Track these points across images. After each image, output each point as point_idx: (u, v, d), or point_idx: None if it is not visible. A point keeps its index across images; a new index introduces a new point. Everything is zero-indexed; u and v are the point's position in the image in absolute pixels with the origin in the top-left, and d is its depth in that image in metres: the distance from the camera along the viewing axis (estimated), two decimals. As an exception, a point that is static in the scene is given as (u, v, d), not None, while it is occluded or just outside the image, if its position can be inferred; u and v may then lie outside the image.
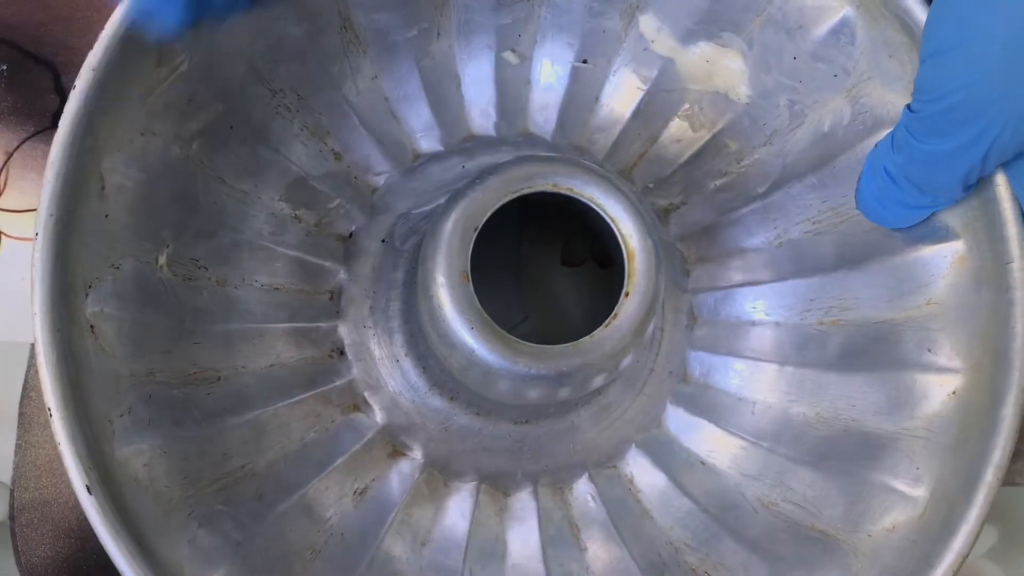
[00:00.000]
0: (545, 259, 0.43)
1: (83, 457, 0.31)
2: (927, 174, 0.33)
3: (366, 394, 0.39)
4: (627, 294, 0.33)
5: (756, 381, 0.40)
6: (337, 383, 0.39)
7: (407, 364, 0.39)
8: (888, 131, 0.35)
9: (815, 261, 0.39)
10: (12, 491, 0.42)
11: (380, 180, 0.41)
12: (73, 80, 0.45)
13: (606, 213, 0.33)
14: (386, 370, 0.39)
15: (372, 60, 0.40)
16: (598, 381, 0.35)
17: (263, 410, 0.37)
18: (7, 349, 0.43)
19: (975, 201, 0.34)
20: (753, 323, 0.40)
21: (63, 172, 0.32)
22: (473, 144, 0.41)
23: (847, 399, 0.38)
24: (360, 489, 0.38)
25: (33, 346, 0.44)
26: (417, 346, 0.38)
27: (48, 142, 0.46)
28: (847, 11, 0.36)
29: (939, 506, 0.33)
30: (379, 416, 0.39)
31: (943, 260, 0.36)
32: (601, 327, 0.33)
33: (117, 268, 0.33)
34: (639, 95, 0.41)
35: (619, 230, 0.33)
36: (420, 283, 0.34)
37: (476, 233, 0.33)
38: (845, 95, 0.37)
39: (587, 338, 0.33)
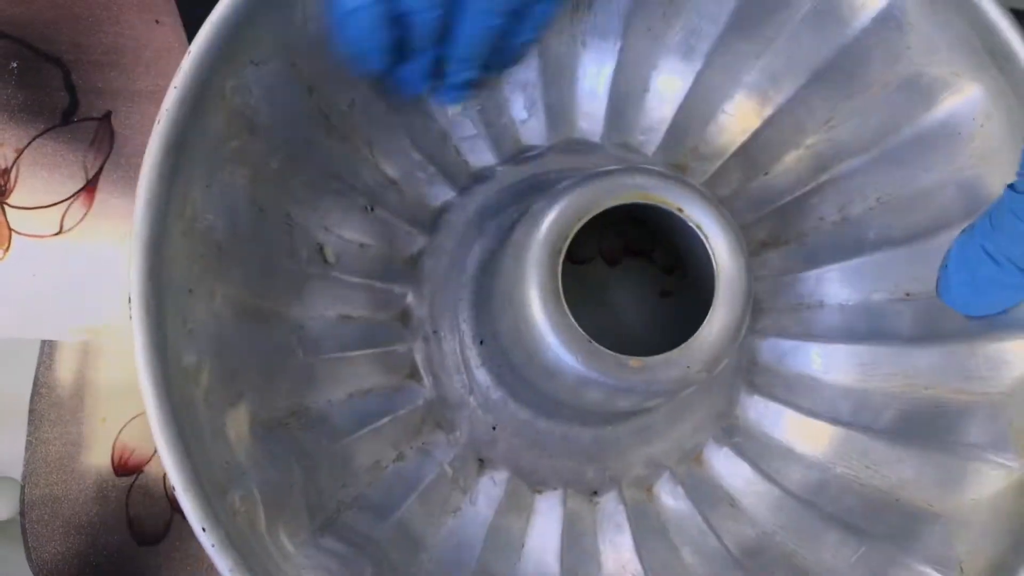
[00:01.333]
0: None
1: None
2: None
3: (445, 412, 0.39)
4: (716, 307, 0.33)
5: (804, 434, 0.40)
6: (415, 404, 0.39)
7: (482, 376, 0.39)
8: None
9: (892, 330, 0.39)
10: (23, 487, 0.42)
11: (480, 163, 0.41)
12: (82, 77, 0.45)
13: (702, 231, 0.33)
14: (461, 384, 0.39)
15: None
16: (690, 388, 0.35)
17: (350, 438, 0.37)
18: (18, 347, 0.43)
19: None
20: (814, 379, 0.40)
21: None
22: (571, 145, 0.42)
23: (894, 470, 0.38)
24: (453, 508, 0.38)
25: (44, 343, 0.44)
26: (493, 360, 0.38)
27: (57, 139, 0.46)
28: (976, 91, 0.36)
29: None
30: (463, 435, 0.39)
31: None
32: (691, 339, 0.33)
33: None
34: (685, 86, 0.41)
35: (718, 267, 0.33)
36: (504, 290, 0.34)
37: (568, 241, 0.33)
38: (957, 171, 0.37)
39: (659, 356, 0.32)
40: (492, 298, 0.37)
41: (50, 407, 0.43)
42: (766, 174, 0.41)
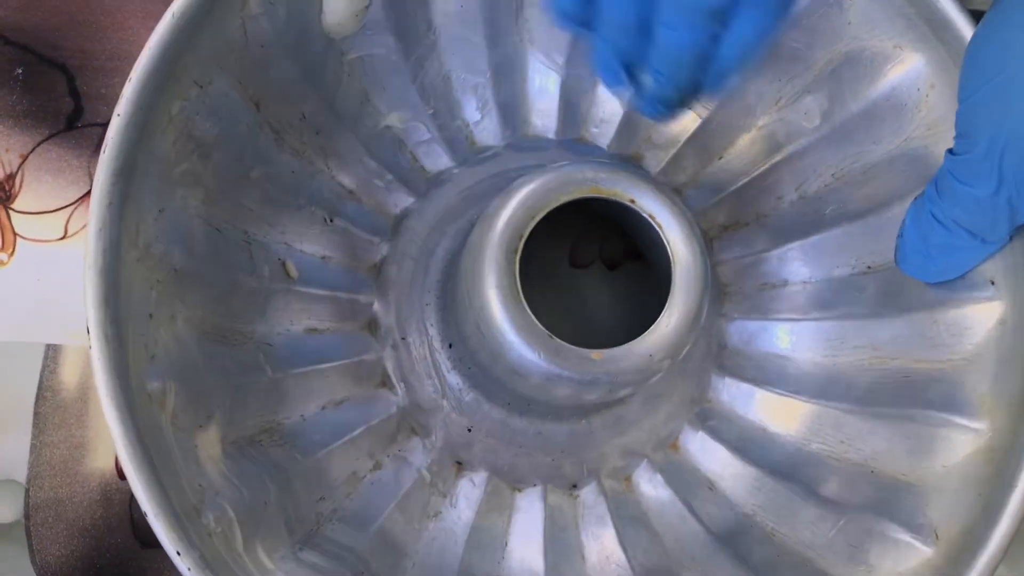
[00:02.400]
0: (554, 260, 0.43)
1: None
2: (975, 216, 0.32)
3: (419, 418, 0.39)
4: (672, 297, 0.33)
5: (777, 413, 0.40)
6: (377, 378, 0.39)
7: (454, 379, 0.39)
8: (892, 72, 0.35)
9: (856, 304, 0.39)
10: (27, 490, 0.43)
11: (437, 167, 0.41)
12: (87, 83, 0.46)
13: (666, 237, 0.33)
14: (430, 382, 0.39)
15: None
16: (627, 388, 0.35)
17: (325, 451, 0.37)
18: (22, 350, 0.44)
19: (1020, 253, 0.34)
20: (782, 357, 0.41)
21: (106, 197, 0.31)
22: (528, 144, 0.42)
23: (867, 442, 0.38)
24: (433, 513, 0.38)
25: (48, 346, 0.45)
26: (463, 362, 0.39)
27: (62, 145, 0.47)
28: (918, 62, 0.37)
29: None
30: (438, 439, 0.39)
31: (984, 317, 0.36)
32: (639, 338, 0.33)
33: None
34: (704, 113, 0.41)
35: (673, 254, 0.33)
36: (465, 292, 0.34)
37: (523, 240, 0.33)
38: (904, 143, 0.38)
39: (619, 347, 0.33)
40: (456, 301, 0.37)
41: (54, 410, 0.43)
42: (720, 158, 0.41)
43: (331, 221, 0.39)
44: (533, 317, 0.32)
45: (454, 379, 0.39)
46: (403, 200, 0.41)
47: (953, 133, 0.34)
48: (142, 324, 0.31)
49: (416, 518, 0.38)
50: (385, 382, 0.39)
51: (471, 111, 0.41)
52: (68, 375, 0.44)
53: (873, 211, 0.39)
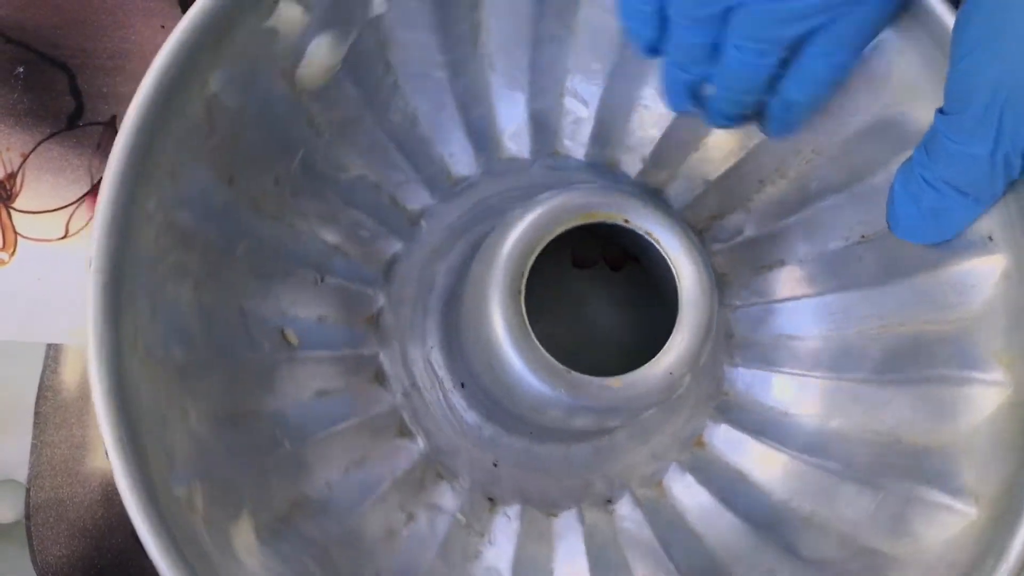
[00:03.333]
0: (556, 260, 0.43)
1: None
2: (966, 175, 0.33)
3: (443, 461, 0.39)
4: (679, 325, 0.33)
5: (795, 394, 0.40)
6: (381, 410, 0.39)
7: (471, 417, 0.39)
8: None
9: (855, 275, 0.39)
10: (28, 490, 0.43)
11: (418, 206, 0.41)
12: (88, 82, 0.46)
13: (666, 251, 0.33)
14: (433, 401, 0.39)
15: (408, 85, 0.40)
16: (651, 409, 0.35)
17: (357, 514, 0.37)
18: (23, 350, 0.44)
19: (1014, 207, 0.34)
20: (791, 338, 0.40)
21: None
22: (505, 168, 0.41)
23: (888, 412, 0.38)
24: (473, 554, 0.38)
25: (49, 346, 0.45)
26: (478, 399, 0.38)
27: (63, 144, 0.47)
28: (886, 32, 0.36)
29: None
30: (422, 443, 0.39)
31: (987, 273, 0.36)
32: (655, 358, 0.33)
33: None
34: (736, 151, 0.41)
35: (676, 269, 0.33)
36: (472, 332, 0.34)
37: (530, 265, 0.33)
38: (881, 110, 0.37)
39: (638, 371, 0.33)
40: (463, 340, 0.37)
41: (55, 410, 0.43)
42: (696, 151, 0.41)
43: (322, 280, 0.39)
44: (548, 355, 0.32)
45: (471, 417, 0.39)
46: (390, 245, 0.40)
47: (931, 99, 0.35)
48: (157, 430, 0.31)
49: (458, 563, 0.37)
50: (403, 431, 0.39)
51: (443, 144, 0.41)
52: (69, 375, 0.44)
53: (857, 181, 0.38)
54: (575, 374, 0.32)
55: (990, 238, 0.35)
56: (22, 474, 0.43)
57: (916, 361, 0.37)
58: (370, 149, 0.39)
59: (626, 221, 0.33)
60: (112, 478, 0.43)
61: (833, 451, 0.39)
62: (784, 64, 0.33)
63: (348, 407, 0.38)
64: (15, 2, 0.45)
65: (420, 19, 0.38)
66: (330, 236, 0.39)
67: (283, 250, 0.37)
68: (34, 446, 0.43)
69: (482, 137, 0.41)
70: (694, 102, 0.36)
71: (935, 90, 0.36)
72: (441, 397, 0.39)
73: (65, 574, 0.42)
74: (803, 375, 0.40)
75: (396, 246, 0.40)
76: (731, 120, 0.36)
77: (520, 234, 0.33)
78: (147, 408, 0.31)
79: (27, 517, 0.42)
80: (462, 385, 0.38)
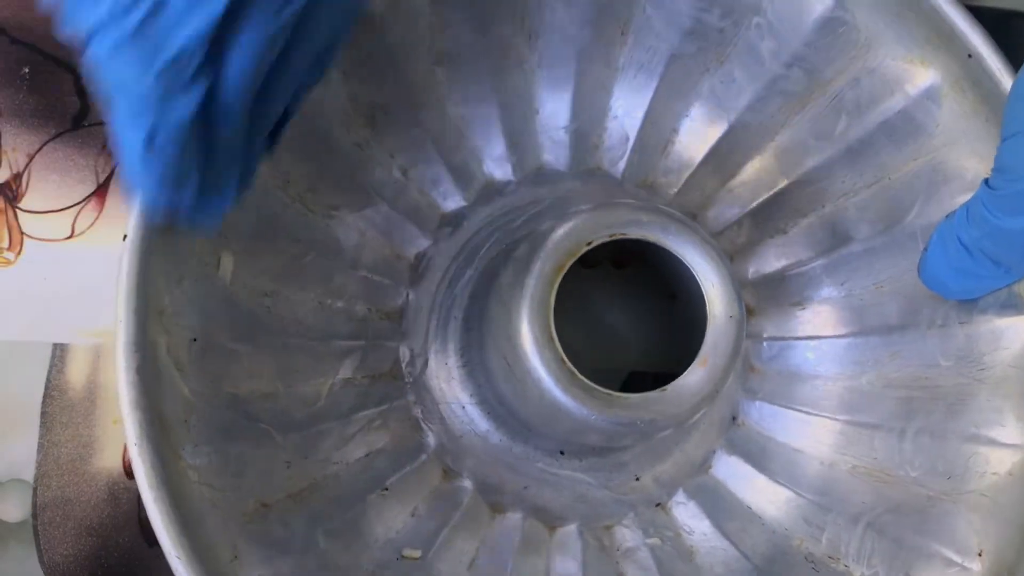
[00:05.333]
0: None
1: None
2: (1002, 249, 0.33)
3: (420, 418, 0.39)
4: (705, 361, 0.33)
5: (808, 433, 0.40)
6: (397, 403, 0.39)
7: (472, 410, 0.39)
8: (959, 199, 0.35)
9: (878, 319, 0.39)
10: (35, 489, 0.43)
11: (449, 206, 0.41)
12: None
13: (699, 276, 0.33)
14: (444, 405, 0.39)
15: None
16: (667, 431, 0.36)
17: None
18: (29, 349, 0.44)
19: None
20: (809, 376, 0.40)
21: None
22: (540, 176, 0.41)
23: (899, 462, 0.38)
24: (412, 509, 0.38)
25: (55, 346, 0.45)
26: (480, 388, 0.38)
27: (68, 144, 0.47)
28: (934, 79, 0.37)
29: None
30: (433, 439, 0.39)
31: (1015, 333, 0.36)
32: (679, 379, 0.33)
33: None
34: (717, 134, 0.41)
35: (707, 292, 0.33)
36: (496, 329, 0.34)
37: (558, 283, 0.32)
38: (924, 159, 0.38)
39: (652, 393, 0.33)
40: (495, 379, 0.36)
41: (62, 410, 0.43)
42: (736, 176, 0.41)
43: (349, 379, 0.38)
44: (572, 367, 0.32)
45: (484, 424, 0.39)
46: (398, 295, 0.40)
47: (968, 146, 0.35)
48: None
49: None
50: (448, 474, 0.39)
51: (482, 147, 0.41)
52: (75, 374, 0.44)
53: (894, 225, 0.39)
54: (590, 384, 0.32)
55: (1021, 296, 0.36)
56: (29, 473, 0.43)
57: (934, 414, 0.38)
58: (408, 147, 0.39)
59: (668, 245, 0.33)
60: (118, 478, 0.43)
61: (840, 494, 0.39)
62: None
63: (392, 464, 0.38)
64: (19, 2, 0.45)
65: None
66: (345, 332, 0.39)
67: (298, 359, 0.37)
68: (40, 445, 0.43)
69: (521, 145, 0.41)
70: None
71: (975, 139, 0.36)
72: (474, 430, 0.39)
73: (72, 572, 0.42)
74: (818, 415, 0.40)
75: (401, 294, 0.40)
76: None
77: (553, 248, 0.33)
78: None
79: (34, 516, 0.43)
80: (478, 393, 0.39)
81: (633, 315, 0.43)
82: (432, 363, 0.39)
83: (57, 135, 0.45)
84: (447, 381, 0.39)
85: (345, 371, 0.38)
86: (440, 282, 0.40)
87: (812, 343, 0.40)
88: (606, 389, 0.32)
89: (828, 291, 0.40)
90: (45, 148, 0.45)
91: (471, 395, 0.39)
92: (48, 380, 0.43)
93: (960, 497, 0.36)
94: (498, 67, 0.39)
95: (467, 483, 0.39)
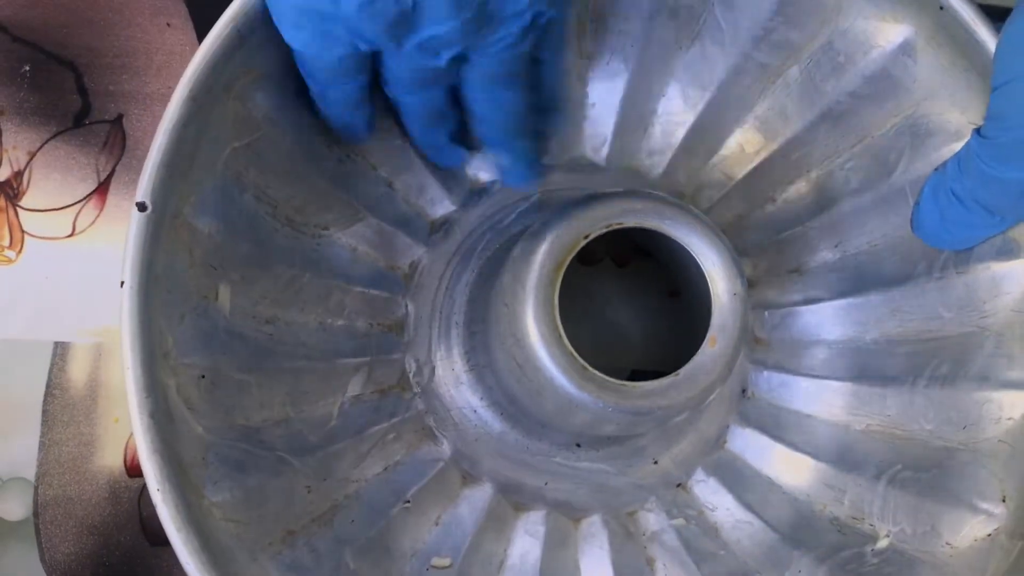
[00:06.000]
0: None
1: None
2: (997, 197, 0.33)
3: (434, 427, 0.39)
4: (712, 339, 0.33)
5: (819, 398, 0.40)
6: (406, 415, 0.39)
7: (476, 402, 0.39)
8: (945, 151, 0.36)
9: (876, 276, 0.39)
10: (36, 488, 0.43)
11: (438, 212, 0.41)
12: (95, 81, 0.46)
13: (700, 260, 0.33)
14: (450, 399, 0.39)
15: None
16: (683, 414, 0.35)
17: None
18: (30, 348, 0.44)
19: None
20: (814, 341, 0.41)
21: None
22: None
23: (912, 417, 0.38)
24: (435, 518, 0.38)
25: (56, 344, 0.45)
26: (484, 378, 0.38)
27: (70, 142, 0.47)
28: (907, 34, 0.37)
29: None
30: (448, 447, 0.39)
31: (1014, 278, 0.36)
32: (688, 364, 0.33)
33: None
34: (696, 111, 0.41)
35: (708, 272, 0.33)
36: (501, 320, 0.34)
37: (560, 279, 0.32)
38: (905, 114, 0.38)
39: (664, 379, 0.33)
40: (505, 380, 0.36)
41: (63, 408, 0.43)
42: (719, 151, 0.41)
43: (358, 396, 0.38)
44: (579, 358, 0.32)
45: (492, 421, 0.39)
46: (397, 308, 0.40)
47: (947, 99, 0.35)
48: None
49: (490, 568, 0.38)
50: (467, 479, 0.39)
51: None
52: (76, 373, 0.44)
53: (880, 181, 0.39)
54: (603, 377, 0.32)
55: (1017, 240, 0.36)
56: (30, 472, 0.43)
57: (942, 365, 0.38)
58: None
59: (666, 230, 0.33)
60: (119, 476, 0.43)
61: (857, 455, 0.39)
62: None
63: (412, 476, 0.38)
64: (22, 1, 0.45)
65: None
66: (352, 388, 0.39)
67: (299, 386, 0.37)
68: (42, 444, 0.43)
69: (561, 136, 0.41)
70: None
71: (955, 91, 0.36)
72: (463, 401, 0.39)
73: (73, 571, 0.42)
74: (827, 379, 0.40)
75: (419, 252, 0.40)
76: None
77: (551, 245, 0.32)
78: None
79: (35, 515, 0.43)
80: (486, 390, 0.38)
81: (635, 313, 0.43)
82: (439, 370, 0.39)
83: (58, 133, 0.45)
84: (456, 386, 0.39)
85: (354, 388, 0.38)
86: (437, 289, 0.40)
87: (813, 307, 0.40)
88: (619, 381, 0.32)
89: (824, 255, 0.40)
90: (46, 146, 0.45)
91: (481, 398, 0.38)
92: (49, 378, 0.43)
93: (977, 445, 0.36)
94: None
95: (487, 486, 0.38)
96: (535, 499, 0.39)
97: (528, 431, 0.38)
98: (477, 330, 0.38)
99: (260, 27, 0.32)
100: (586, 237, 0.32)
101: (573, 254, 0.32)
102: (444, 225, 0.40)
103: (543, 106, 0.36)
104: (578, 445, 0.39)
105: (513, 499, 0.39)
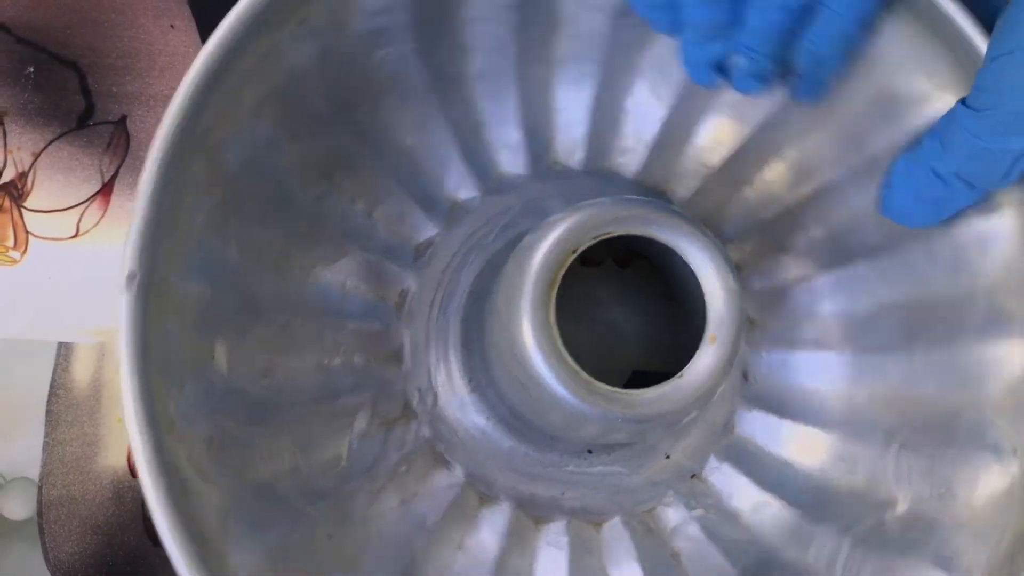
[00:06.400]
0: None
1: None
2: (986, 170, 0.32)
3: (444, 452, 0.39)
4: (712, 338, 0.33)
5: (820, 371, 0.40)
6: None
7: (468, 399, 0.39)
8: (917, 115, 0.35)
9: (860, 245, 0.39)
10: (40, 488, 0.43)
11: (422, 236, 0.40)
12: (98, 82, 0.46)
13: (693, 263, 0.33)
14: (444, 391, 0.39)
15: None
16: (690, 415, 0.35)
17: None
18: (34, 348, 0.44)
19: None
20: (806, 315, 0.40)
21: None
22: (502, 185, 0.41)
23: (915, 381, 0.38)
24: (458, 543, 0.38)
25: (60, 344, 0.45)
26: (482, 388, 0.38)
27: (73, 143, 0.47)
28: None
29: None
30: (461, 471, 0.39)
31: (999, 235, 0.36)
32: (678, 375, 0.33)
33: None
34: (667, 105, 0.40)
35: (699, 270, 0.33)
36: (497, 327, 0.34)
37: (554, 297, 0.32)
38: (872, 85, 0.37)
39: (668, 384, 0.32)
40: (487, 354, 0.36)
41: (67, 408, 0.44)
42: (689, 143, 0.41)
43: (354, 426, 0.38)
44: (579, 369, 0.31)
45: (498, 437, 0.39)
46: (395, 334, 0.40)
47: (915, 71, 0.35)
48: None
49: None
50: (438, 461, 0.39)
51: (439, 171, 0.40)
52: (80, 373, 0.44)
53: (853, 155, 0.38)
54: (609, 389, 0.32)
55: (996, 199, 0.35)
56: (34, 472, 0.43)
57: (937, 326, 0.37)
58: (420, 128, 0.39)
59: (653, 234, 0.32)
60: (123, 476, 0.43)
61: (864, 423, 0.39)
62: (807, 13, 0.33)
63: (382, 447, 0.38)
64: (25, 2, 0.45)
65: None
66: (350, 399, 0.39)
67: (304, 430, 0.37)
68: (46, 444, 0.43)
69: (476, 159, 0.41)
70: (719, 73, 0.36)
71: (920, 64, 0.36)
72: (467, 418, 0.39)
73: (77, 571, 0.43)
74: (824, 351, 0.40)
75: (407, 279, 0.40)
76: (761, 80, 0.36)
77: (546, 252, 0.32)
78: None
79: (39, 514, 0.43)
80: (493, 414, 0.39)
81: (637, 313, 0.43)
82: (442, 395, 0.39)
83: (62, 134, 0.45)
84: (460, 409, 0.39)
85: (360, 425, 0.38)
86: (429, 315, 0.40)
87: (803, 284, 0.40)
88: (624, 390, 0.32)
89: (808, 231, 0.40)
90: (50, 147, 0.45)
91: (488, 417, 0.38)
92: (53, 378, 0.44)
93: (982, 403, 0.36)
94: (439, 88, 0.39)
95: (504, 504, 0.39)
96: (554, 510, 0.39)
97: (538, 444, 0.38)
98: (475, 350, 0.38)
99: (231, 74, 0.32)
100: (574, 252, 0.32)
101: (564, 269, 0.32)
102: (428, 249, 0.40)
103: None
104: (589, 452, 0.39)
105: (532, 513, 0.39)
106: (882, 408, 0.39)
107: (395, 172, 0.39)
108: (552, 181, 0.41)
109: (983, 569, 0.35)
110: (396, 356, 0.39)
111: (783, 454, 0.40)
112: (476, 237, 0.40)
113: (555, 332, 0.32)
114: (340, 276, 0.38)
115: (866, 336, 0.39)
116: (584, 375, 0.32)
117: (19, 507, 0.43)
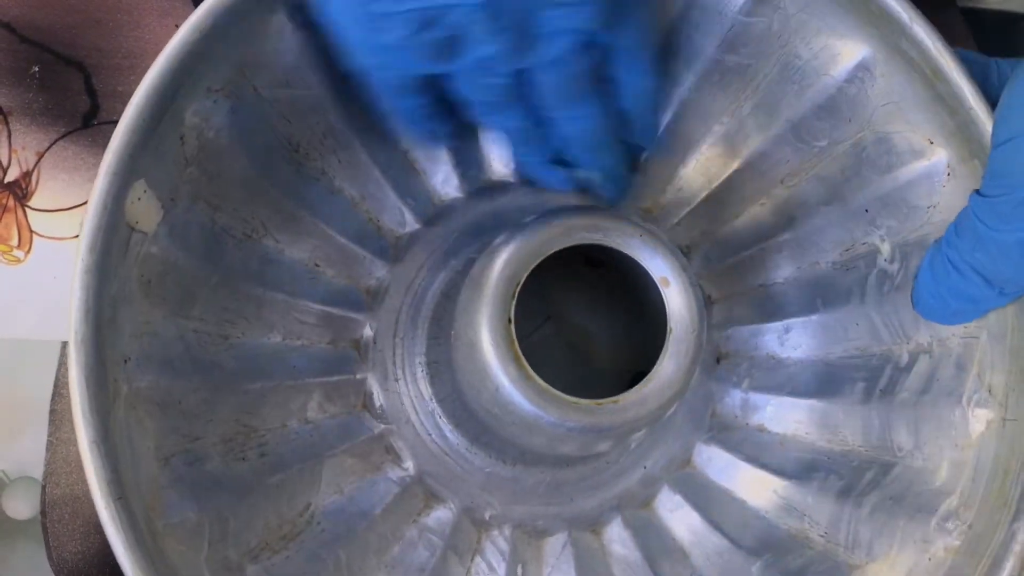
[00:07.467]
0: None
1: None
2: (997, 263, 0.31)
3: (396, 446, 0.39)
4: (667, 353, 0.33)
5: (791, 341, 0.40)
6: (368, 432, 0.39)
7: (442, 422, 0.39)
8: (905, 166, 0.35)
9: (836, 295, 0.39)
10: (44, 487, 0.43)
11: (402, 229, 0.40)
12: (103, 81, 0.46)
13: (654, 275, 0.33)
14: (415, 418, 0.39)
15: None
16: (638, 434, 0.35)
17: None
18: (38, 347, 0.44)
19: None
20: (779, 359, 0.41)
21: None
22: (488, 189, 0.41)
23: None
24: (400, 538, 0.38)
25: (64, 345, 0.45)
26: (447, 400, 0.38)
27: (78, 143, 0.47)
28: (866, 54, 0.36)
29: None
30: (411, 467, 0.39)
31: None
32: (640, 384, 0.33)
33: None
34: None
35: (664, 292, 0.33)
36: (461, 340, 0.34)
37: (517, 292, 0.32)
38: (861, 133, 0.37)
39: (630, 392, 0.32)
40: (453, 366, 0.36)
41: (70, 408, 0.44)
42: (673, 181, 0.41)
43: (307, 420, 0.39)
44: (536, 377, 0.32)
45: (458, 441, 0.39)
46: (376, 269, 0.40)
47: (907, 120, 0.34)
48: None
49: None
50: (391, 456, 0.39)
51: (428, 169, 0.40)
52: (84, 372, 0.44)
53: (836, 200, 0.39)
54: (563, 396, 0.32)
55: (931, 142, 0.35)
56: (38, 471, 0.43)
57: (887, 279, 0.37)
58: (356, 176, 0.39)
59: (613, 246, 0.33)
60: (127, 475, 0.43)
61: (840, 384, 0.39)
62: (614, 99, 0.33)
63: (336, 433, 0.38)
64: (30, 2, 0.45)
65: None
66: (312, 256, 0.39)
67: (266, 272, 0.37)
68: (49, 443, 0.43)
69: (467, 161, 0.41)
70: (567, 172, 0.36)
71: (912, 112, 0.35)
72: (428, 421, 0.39)
73: (80, 570, 0.43)
74: (790, 319, 0.40)
75: (381, 271, 0.40)
76: (618, 182, 0.37)
77: (506, 261, 0.32)
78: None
79: (43, 513, 0.43)
80: (450, 410, 0.39)
81: (606, 315, 0.42)
82: (401, 389, 0.39)
83: (66, 134, 0.45)
84: (418, 406, 0.39)
85: (314, 408, 0.38)
86: (400, 308, 0.40)
87: (777, 324, 0.41)
88: (573, 398, 0.32)
89: (786, 271, 0.41)
90: (55, 147, 0.45)
91: (446, 419, 0.39)
92: (57, 378, 0.44)
93: (951, 349, 0.36)
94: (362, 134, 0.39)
95: (451, 505, 0.39)
96: (500, 519, 0.39)
97: (489, 451, 0.39)
98: (441, 351, 0.38)
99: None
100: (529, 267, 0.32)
101: (519, 286, 0.32)
102: (408, 243, 0.40)
103: (628, 126, 0.35)
104: (543, 465, 0.39)
105: (478, 518, 0.39)
106: (858, 367, 0.39)
107: (385, 165, 0.39)
108: (540, 192, 0.41)
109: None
110: (361, 345, 0.39)
111: (735, 492, 0.40)
112: (448, 241, 0.40)
113: (520, 356, 0.32)
114: (314, 256, 0.38)
115: (826, 294, 0.39)
116: (552, 391, 0.32)
117: (23, 506, 0.43)
